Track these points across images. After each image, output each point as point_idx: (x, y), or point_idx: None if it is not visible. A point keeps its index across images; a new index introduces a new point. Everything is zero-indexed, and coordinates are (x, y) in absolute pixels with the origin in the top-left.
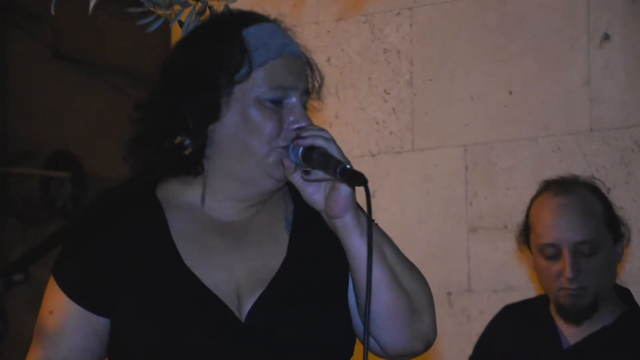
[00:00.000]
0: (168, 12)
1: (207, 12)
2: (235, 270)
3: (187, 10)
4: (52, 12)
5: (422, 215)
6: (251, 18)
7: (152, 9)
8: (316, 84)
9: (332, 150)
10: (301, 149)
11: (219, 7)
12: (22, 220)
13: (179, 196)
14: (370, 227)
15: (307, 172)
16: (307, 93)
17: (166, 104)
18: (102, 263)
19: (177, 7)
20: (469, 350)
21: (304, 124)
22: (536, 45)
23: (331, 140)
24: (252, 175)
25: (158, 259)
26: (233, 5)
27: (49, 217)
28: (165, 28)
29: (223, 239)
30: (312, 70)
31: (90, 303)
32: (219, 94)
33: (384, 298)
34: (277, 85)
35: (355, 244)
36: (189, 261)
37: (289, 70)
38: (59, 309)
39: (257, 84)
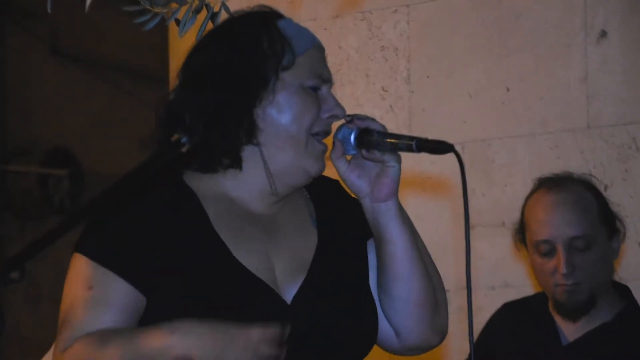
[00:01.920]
0: (165, 10)
1: (204, 9)
2: (272, 259)
3: (184, 8)
4: (49, 9)
5: (420, 212)
6: (277, 13)
7: (148, 7)
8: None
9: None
10: (355, 130)
11: (215, 4)
12: (20, 217)
13: (210, 187)
14: (466, 196)
15: (367, 151)
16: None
17: (205, 100)
18: (145, 242)
19: (174, 5)
20: (466, 348)
21: (338, 112)
22: (533, 42)
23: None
24: (289, 166)
25: (202, 245)
26: (229, 4)
27: (47, 213)
28: (163, 26)
29: (256, 229)
30: None
31: (136, 278)
32: (265, 83)
33: (415, 285)
34: (318, 74)
35: (395, 231)
36: (231, 248)
37: (323, 61)
38: (101, 283)
39: (299, 71)
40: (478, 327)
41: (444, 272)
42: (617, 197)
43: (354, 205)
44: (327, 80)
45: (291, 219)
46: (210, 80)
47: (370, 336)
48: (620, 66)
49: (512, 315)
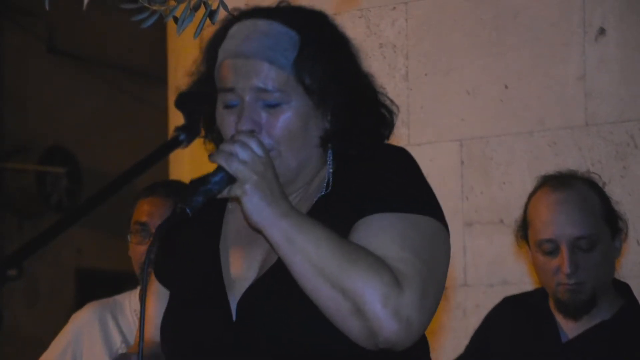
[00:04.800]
0: (163, 7)
1: (202, 7)
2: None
3: (182, 6)
4: (46, 7)
5: None
6: (239, 17)
7: (146, 4)
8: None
9: (233, 166)
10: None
11: (213, 2)
12: (18, 215)
13: None
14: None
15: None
16: (266, 90)
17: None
18: (171, 249)
19: (172, 3)
20: (465, 345)
21: (244, 127)
22: (531, 40)
23: (234, 154)
24: None
25: (203, 260)
26: (227, 1)
27: (44, 211)
28: (161, 24)
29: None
30: (282, 63)
31: (161, 279)
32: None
33: (315, 301)
34: (220, 87)
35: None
36: (225, 255)
37: (232, 71)
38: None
39: (217, 85)
40: (476, 325)
41: None
42: (615, 195)
43: (360, 185)
44: (231, 89)
45: None
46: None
47: (329, 344)
48: (618, 64)
49: (511, 310)
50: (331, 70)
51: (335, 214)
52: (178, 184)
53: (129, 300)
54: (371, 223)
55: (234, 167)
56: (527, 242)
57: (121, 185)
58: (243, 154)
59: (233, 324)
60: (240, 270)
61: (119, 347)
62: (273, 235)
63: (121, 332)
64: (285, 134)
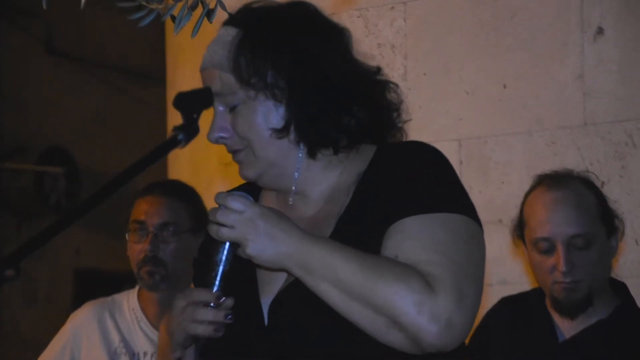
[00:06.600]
0: (160, 6)
1: (200, 6)
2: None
3: (180, 5)
4: (44, 6)
5: None
6: (228, 19)
7: (144, 3)
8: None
9: (226, 236)
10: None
11: (210, 1)
12: (17, 216)
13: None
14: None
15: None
16: (220, 94)
17: None
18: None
19: (170, 2)
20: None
21: (212, 135)
22: (530, 40)
23: (221, 222)
24: None
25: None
26: (225, 0)
27: (43, 212)
28: (160, 23)
29: None
30: (231, 69)
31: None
32: None
33: (352, 322)
34: None
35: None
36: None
37: (203, 83)
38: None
39: None
40: (476, 325)
41: None
42: (614, 194)
43: (387, 189)
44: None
45: (324, 220)
46: None
47: (360, 346)
48: (616, 63)
49: (509, 310)
50: (275, 61)
51: (365, 225)
52: (176, 183)
53: (127, 300)
54: (402, 229)
55: (226, 237)
56: (524, 241)
57: (120, 185)
58: (227, 219)
59: (265, 327)
60: (273, 271)
61: (117, 346)
62: (293, 271)
63: (119, 331)
64: (250, 132)
